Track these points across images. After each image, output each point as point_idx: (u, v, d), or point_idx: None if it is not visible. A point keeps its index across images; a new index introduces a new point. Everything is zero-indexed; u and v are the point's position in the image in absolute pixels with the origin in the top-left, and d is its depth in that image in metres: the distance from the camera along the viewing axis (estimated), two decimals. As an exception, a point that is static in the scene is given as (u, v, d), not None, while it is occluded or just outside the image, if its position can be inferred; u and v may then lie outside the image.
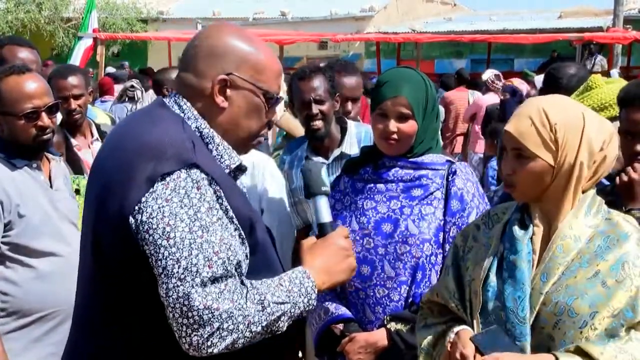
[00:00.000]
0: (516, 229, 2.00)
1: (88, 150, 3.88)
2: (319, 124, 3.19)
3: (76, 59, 11.56)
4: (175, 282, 1.66)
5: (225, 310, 1.66)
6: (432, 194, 2.52)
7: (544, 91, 3.82)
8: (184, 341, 1.68)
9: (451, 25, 21.70)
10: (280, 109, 5.25)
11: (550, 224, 1.98)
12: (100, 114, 4.79)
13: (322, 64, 3.41)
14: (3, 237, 2.74)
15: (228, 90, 1.85)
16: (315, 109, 3.17)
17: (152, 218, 1.68)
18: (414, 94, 2.49)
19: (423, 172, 2.54)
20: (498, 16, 23.52)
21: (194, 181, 1.72)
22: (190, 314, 1.65)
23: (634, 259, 1.89)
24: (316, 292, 1.84)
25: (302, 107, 3.23)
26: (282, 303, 1.76)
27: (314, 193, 2.05)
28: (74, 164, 3.54)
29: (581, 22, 19.57)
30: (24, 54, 3.52)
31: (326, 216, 2.03)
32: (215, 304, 1.66)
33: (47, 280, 2.80)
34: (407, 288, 2.47)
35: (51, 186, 2.91)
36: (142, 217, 1.69)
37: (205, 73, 1.85)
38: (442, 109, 10.06)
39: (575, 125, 1.94)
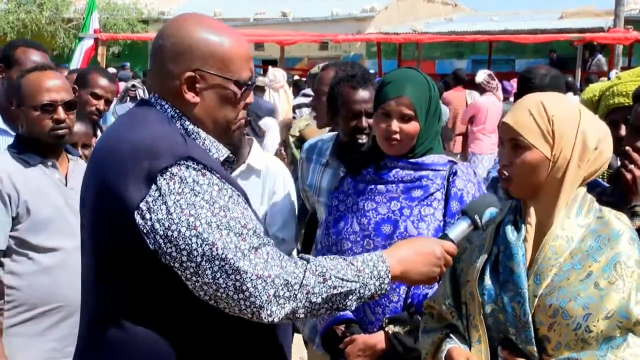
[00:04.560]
0: (509, 232, 1.99)
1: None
2: (365, 138, 2.92)
3: (77, 60, 11.55)
4: (220, 263, 1.68)
5: (277, 275, 1.69)
6: (432, 194, 2.52)
7: (518, 95, 3.82)
8: (246, 312, 1.70)
9: (452, 26, 21.69)
10: (304, 119, 5.16)
11: (543, 223, 1.96)
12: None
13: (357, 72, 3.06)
14: (10, 231, 2.79)
15: (197, 85, 1.86)
16: (365, 122, 2.90)
17: (171, 214, 1.69)
18: (417, 95, 2.50)
19: (424, 172, 2.54)
20: (499, 16, 23.48)
21: (196, 170, 1.74)
22: (244, 287, 1.67)
23: (625, 259, 1.87)
24: (389, 277, 1.84)
25: (350, 118, 2.94)
26: (349, 281, 1.77)
27: (468, 215, 2.06)
28: None
29: (582, 22, 19.55)
30: (36, 57, 3.63)
31: (454, 234, 2.04)
32: (265, 272, 1.68)
33: (52, 275, 2.83)
34: (406, 289, 2.48)
35: (66, 184, 2.93)
36: (156, 215, 1.70)
37: (172, 73, 1.85)
38: (446, 109, 10.08)
39: (571, 120, 1.94)
